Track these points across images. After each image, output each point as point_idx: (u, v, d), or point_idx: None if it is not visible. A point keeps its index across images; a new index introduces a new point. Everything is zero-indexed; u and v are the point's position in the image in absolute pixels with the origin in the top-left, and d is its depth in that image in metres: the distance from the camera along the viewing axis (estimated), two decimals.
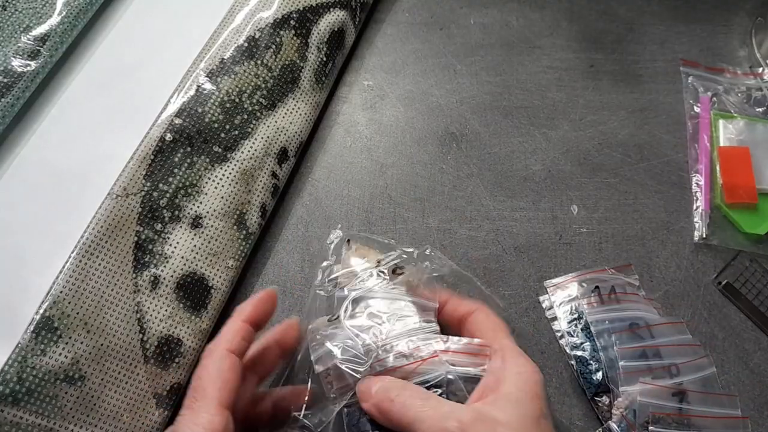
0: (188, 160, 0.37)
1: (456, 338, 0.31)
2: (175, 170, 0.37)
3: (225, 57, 0.40)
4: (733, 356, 0.38)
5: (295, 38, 0.42)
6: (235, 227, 0.38)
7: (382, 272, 0.34)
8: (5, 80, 0.39)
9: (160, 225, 0.36)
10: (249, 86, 0.40)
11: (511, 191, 0.43)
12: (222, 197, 0.37)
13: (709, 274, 0.41)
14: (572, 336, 0.37)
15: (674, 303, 0.40)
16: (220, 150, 0.38)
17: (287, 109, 0.41)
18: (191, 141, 0.37)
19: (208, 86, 0.39)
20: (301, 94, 0.42)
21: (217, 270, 0.37)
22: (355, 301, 0.32)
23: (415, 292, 0.33)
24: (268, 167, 0.40)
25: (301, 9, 0.43)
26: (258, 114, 0.40)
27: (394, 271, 0.34)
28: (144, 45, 0.44)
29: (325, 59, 0.44)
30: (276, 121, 0.41)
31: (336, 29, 0.44)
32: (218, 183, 0.38)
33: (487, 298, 0.36)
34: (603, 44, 0.50)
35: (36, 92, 0.41)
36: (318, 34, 0.43)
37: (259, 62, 0.41)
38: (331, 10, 0.44)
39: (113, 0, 0.46)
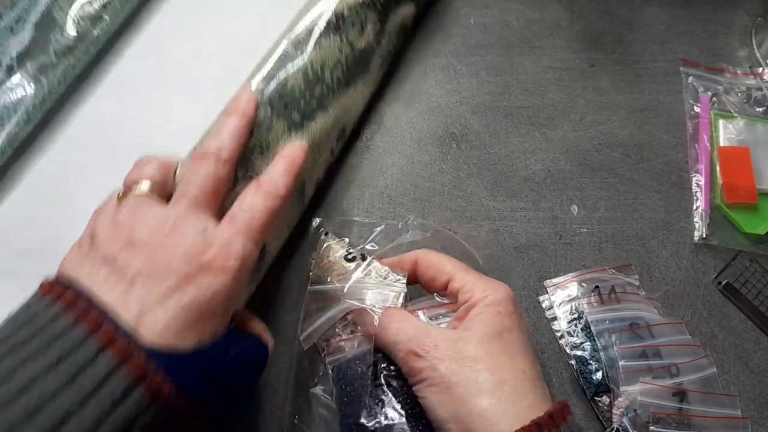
0: (268, 122, 0.36)
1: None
2: (254, 129, 0.36)
3: (312, 28, 0.40)
4: (733, 356, 0.38)
5: (377, 22, 0.43)
6: (296, 195, 0.38)
7: (350, 259, 0.35)
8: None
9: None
10: (332, 60, 0.40)
11: (511, 191, 0.43)
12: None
13: (709, 274, 0.41)
14: (572, 336, 0.37)
15: (674, 303, 0.39)
16: (298, 117, 0.38)
17: (356, 91, 0.42)
18: (272, 103, 0.37)
19: (293, 54, 0.39)
20: (368, 78, 0.43)
21: (275, 235, 0.37)
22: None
23: (381, 272, 0.34)
24: (331, 144, 0.41)
25: None
26: (335, 89, 0.40)
27: (347, 258, 0.35)
28: (232, 12, 0.46)
29: (391, 49, 0.45)
30: (346, 100, 0.41)
31: (405, 22, 0.46)
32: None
33: (467, 252, 0.38)
34: (603, 44, 0.50)
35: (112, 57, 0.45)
36: (394, 22, 0.44)
37: (344, 38, 0.41)
38: (407, 2, 0.46)
39: None
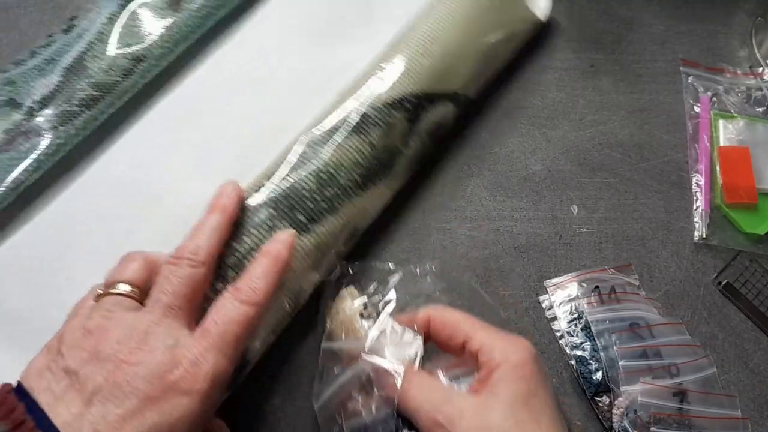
0: (269, 223, 0.34)
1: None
2: (254, 230, 0.34)
3: (333, 129, 0.37)
4: (733, 356, 0.38)
5: (404, 121, 0.39)
6: (287, 302, 0.35)
7: (366, 317, 0.33)
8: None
9: (221, 285, 0.32)
10: (349, 161, 0.37)
11: (511, 191, 0.43)
12: (293, 270, 0.34)
13: (709, 274, 0.41)
14: (572, 336, 0.37)
15: (674, 303, 0.39)
16: (304, 219, 0.35)
17: (375, 192, 0.39)
18: (276, 204, 0.35)
19: (309, 154, 0.36)
20: (390, 179, 0.40)
21: (259, 335, 0.34)
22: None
23: (397, 331, 0.32)
24: (337, 246, 0.37)
25: (419, 94, 0.40)
26: (350, 191, 0.37)
27: (362, 315, 0.33)
28: (259, 95, 0.44)
29: (421, 148, 0.41)
30: (362, 202, 0.38)
31: (441, 122, 0.42)
32: (300, 256, 0.35)
33: (488, 304, 0.37)
34: (603, 44, 0.50)
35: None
36: (426, 122, 0.40)
37: (365, 139, 0.37)
38: (444, 101, 0.42)
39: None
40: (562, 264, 0.40)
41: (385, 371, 0.30)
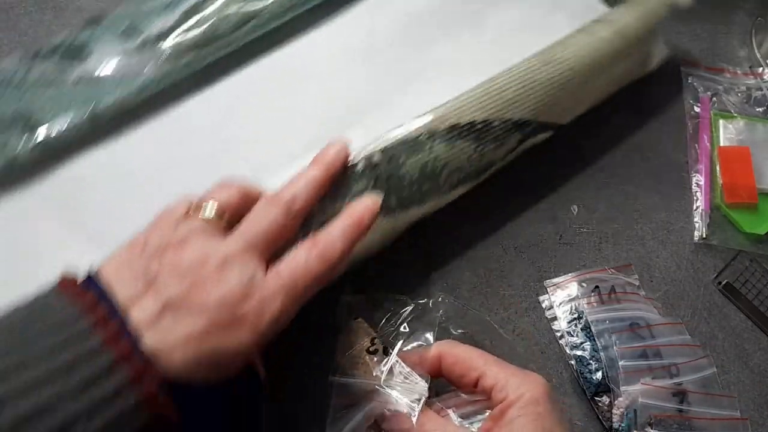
0: (362, 195, 0.34)
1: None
2: (348, 199, 0.33)
3: (455, 124, 0.37)
4: (733, 356, 0.38)
5: (516, 142, 0.40)
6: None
7: (372, 352, 0.33)
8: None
9: (301, 237, 0.32)
10: (455, 163, 0.37)
11: (511, 191, 0.43)
12: (363, 245, 0.34)
13: (709, 274, 0.41)
14: (572, 336, 0.37)
15: (674, 303, 0.40)
16: (394, 204, 0.35)
17: (457, 192, 0.39)
18: (376, 180, 0.34)
19: (423, 141, 0.36)
20: (473, 184, 0.40)
21: None
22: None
23: (404, 372, 0.32)
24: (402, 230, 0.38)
25: (542, 122, 0.40)
26: (443, 190, 0.38)
27: (368, 351, 0.33)
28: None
29: (512, 161, 0.42)
30: (446, 200, 0.39)
31: (537, 144, 0.42)
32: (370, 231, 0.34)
33: (506, 342, 0.36)
34: None
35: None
36: (529, 143, 0.41)
37: (478, 147, 0.37)
38: (549, 130, 0.42)
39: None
40: (562, 264, 0.40)
41: (396, 412, 0.30)
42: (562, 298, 0.39)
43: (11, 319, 0.25)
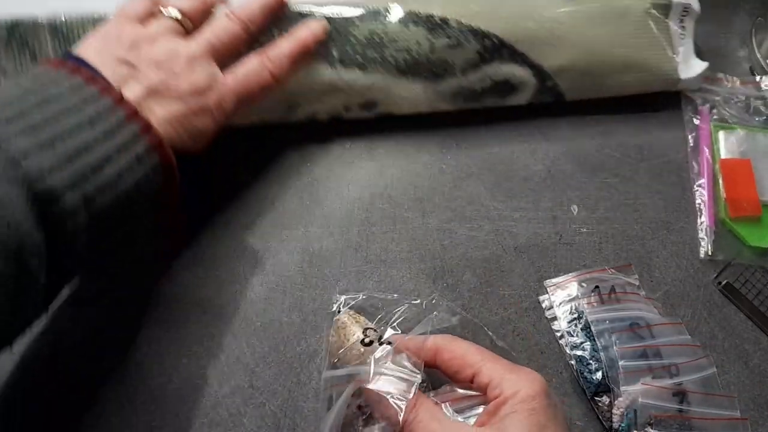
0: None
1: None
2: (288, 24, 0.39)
3: (415, 11, 0.41)
4: (733, 356, 0.38)
5: (475, 53, 0.42)
6: (283, 108, 0.42)
7: (367, 343, 0.32)
8: None
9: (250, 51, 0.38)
10: (404, 43, 0.41)
11: (511, 191, 0.43)
12: (307, 98, 0.41)
13: (709, 274, 0.41)
14: (572, 336, 0.37)
15: (674, 303, 0.39)
16: (336, 55, 0.40)
17: (411, 88, 0.42)
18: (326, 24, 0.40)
19: (380, 13, 0.41)
20: (430, 89, 0.43)
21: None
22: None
23: (398, 360, 0.31)
24: (348, 100, 0.43)
25: (506, 43, 0.42)
26: (388, 66, 0.41)
27: (363, 342, 0.32)
28: None
29: (478, 91, 0.43)
30: (394, 84, 0.42)
31: (512, 83, 0.43)
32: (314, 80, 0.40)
33: (499, 350, 0.36)
34: None
35: None
36: (496, 71, 0.42)
37: (430, 38, 0.41)
38: (526, 67, 0.43)
39: None
40: (562, 264, 0.40)
41: (384, 399, 0.30)
42: (562, 298, 0.39)
43: (19, 89, 0.29)
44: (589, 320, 0.37)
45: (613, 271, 0.40)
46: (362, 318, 0.35)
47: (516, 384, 0.29)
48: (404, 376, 0.30)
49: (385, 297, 0.37)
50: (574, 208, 0.43)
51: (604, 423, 0.35)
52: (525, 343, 0.37)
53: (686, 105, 0.48)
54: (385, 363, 0.31)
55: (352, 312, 0.35)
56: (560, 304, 0.38)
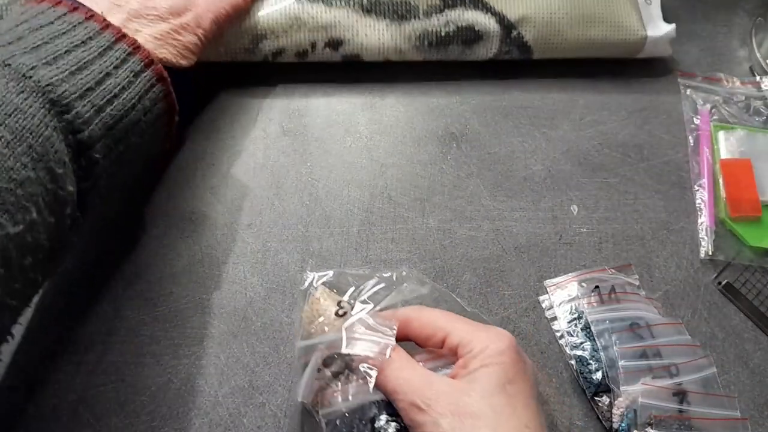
0: None
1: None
2: None
3: None
4: (733, 356, 0.38)
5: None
6: (247, 38, 0.45)
7: (341, 315, 0.33)
8: None
9: None
10: None
11: (511, 191, 0.43)
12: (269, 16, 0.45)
13: (709, 274, 0.41)
14: (572, 336, 0.37)
15: (674, 303, 0.39)
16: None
17: (375, 25, 0.45)
18: None
19: None
20: (393, 28, 0.45)
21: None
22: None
23: (371, 327, 0.32)
24: (312, 34, 0.46)
25: None
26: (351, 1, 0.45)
27: (337, 314, 0.33)
28: None
29: (443, 37, 0.45)
30: (358, 21, 0.45)
31: (475, 29, 0.45)
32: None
33: (470, 314, 0.36)
34: None
35: None
36: (459, 16, 0.45)
37: None
38: (489, 14, 0.45)
39: None
40: (562, 264, 0.40)
41: (364, 356, 0.31)
42: (562, 298, 0.39)
43: (9, 21, 0.31)
44: (589, 320, 0.37)
45: (613, 271, 0.40)
46: (336, 294, 0.35)
47: (485, 340, 0.30)
48: (379, 339, 0.31)
49: (356, 272, 0.37)
50: (574, 208, 0.43)
51: (604, 423, 0.35)
52: (525, 343, 0.37)
53: (686, 105, 0.48)
54: (359, 329, 0.32)
55: (326, 288, 0.35)
56: (560, 304, 0.38)
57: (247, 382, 0.35)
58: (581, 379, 0.36)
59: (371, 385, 0.30)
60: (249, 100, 0.47)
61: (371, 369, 0.30)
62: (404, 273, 0.37)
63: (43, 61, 0.29)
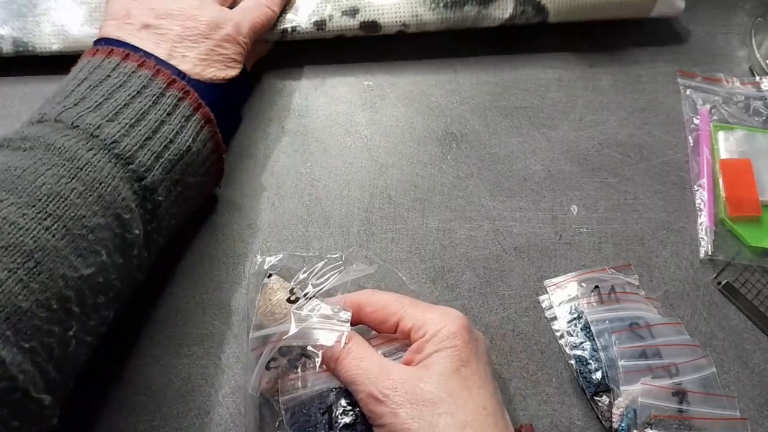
0: None
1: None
2: None
3: None
4: (733, 356, 0.38)
5: None
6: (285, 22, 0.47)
7: (293, 301, 0.33)
8: None
9: None
10: None
11: (510, 191, 0.43)
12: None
13: (709, 274, 0.41)
14: (572, 335, 0.37)
15: (674, 303, 0.40)
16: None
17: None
18: None
19: None
20: (419, 7, 0.47)
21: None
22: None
23: (324, 314, 0.32)
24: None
25: None
26: None
27: (289, 300, 0.33)
28: None
29: (460, 15, 0.47)
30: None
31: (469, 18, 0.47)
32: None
33: (413, 293, 0.37)
34: (602, 44, 0.50)
35: None
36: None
37: None
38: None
39: None
40: (561, 264, 0.40)
41: (320, 345, 0.31)
42: (562, 297, 0.39)
43: (71, 81, 0.34)
44: (589, 320, 0.37)
45: (612, 270, 0.40)
46: (288, 283, 0.35)
47: (437, 323, 0.30)
48: (333, 327, 0.32)
49: (306, 254, 0.38)
50: (574, 208, 0.43)
51: (603, 423, 0.35)
52: (525, 343, 0.38)
53: (686, 105, 0.48)
54: (311, 317, 0.32)
55: (275, 277, 0.35)
56: (560, 303, 0.38)
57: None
58: (581, 378, 0.36)
59: (317, 368, 0.31)
60: (249, 101, 0.47)
61: (335, 340, 0.31)
62: (354, 252, 0.38)
63: (106, 118, 0.32)
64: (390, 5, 0.46)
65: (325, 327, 0.32)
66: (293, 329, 0.32)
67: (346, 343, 0.31)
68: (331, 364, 0.31)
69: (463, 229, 0.42)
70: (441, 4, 0.46)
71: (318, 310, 0.32)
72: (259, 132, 0.45)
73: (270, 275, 0.35)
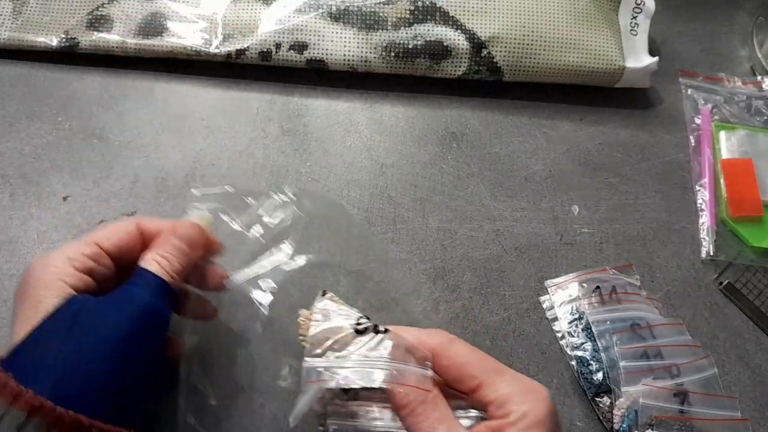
0: None
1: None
2: None
3: None
4: (734, 357, 0.38)
5: (406, 12, 0.45)
6: None
7: (361, 331, 0.29)
8: None
9: None
10: None
11: (511, 191, 0.43)
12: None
13: (711, 274, 0.41)
14: (573, 336, 0.37)
15: (675, 303, 0.39)
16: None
17: (344, 33, 0.46)
18: None
19: None
20: (362, 37, 0.45)
21: None
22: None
23: (399, 354, 0.28)
24: (285, 40, 0.46)
25: (435, 5, 0.45)
26: (322, 10, 0.46)
27: (357, 331, 0.29)
28: None
29: (410, 50, 0.45)
30: (327, 28, 0.45)
31: (444, 45, 0.45)
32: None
33: (360, 225, 0.38)
34: None
35: None
36: (429, 30, 0.45)
37: None
38: (459, 31, 0.45)
39: None
40: (562, 264, 0.40)
41: (400, 384, 0.27)
42: (563, 298, 0.39)
43: None
44: (590, 321, 0.37)
45: (614, 271, 0.40)
46: (345, 304, 0.31)
47: (522, 406, 0.27)
48: (413, 369, 0.28)
49: (250, 188, 0.37)
50: (575, 208, 0.43)
51: (605, 424, 0.35)
52: (526, 344, 0.37)
53: (687, 105, 0.48)
54: (387, 358, 0.28)
55: (331, 294, 0.31)
56: (561, 304, 0.38)
57: (246, 383, 0.35)
58: (582, 379, 0.36)
59: (372, 404, 0.28)
60: (249, 100, 0.47)
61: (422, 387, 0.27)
62: (301, 188, 0.36)
63: None
64: (339, 48, 0.45)
65: (401, 366, 0.28)
66: (365, 371, 0.28)
67: (424, 398, 0.27)
68: (402, 411, 0.28)
69: (463, 229, 0.41)
70: (392, 54, 0.45)
71: (389, 348, 0.28)
72: (259, 132, 0.45)
73: (324, 292, 0.31)
